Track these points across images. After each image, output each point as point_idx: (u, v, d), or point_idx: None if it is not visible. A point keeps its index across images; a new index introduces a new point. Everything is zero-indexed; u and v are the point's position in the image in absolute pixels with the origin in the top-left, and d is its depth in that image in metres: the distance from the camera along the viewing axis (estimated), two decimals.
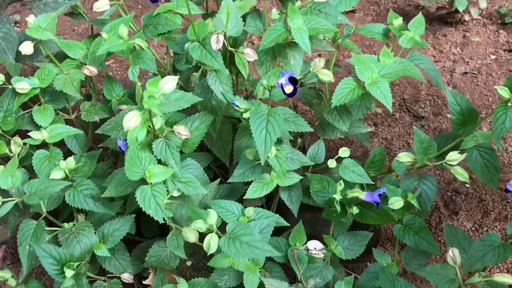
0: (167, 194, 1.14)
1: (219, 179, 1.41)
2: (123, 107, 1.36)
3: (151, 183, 1.10)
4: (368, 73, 1.34)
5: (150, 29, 1.41)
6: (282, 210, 1.58)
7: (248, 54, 1.28)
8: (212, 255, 1.31)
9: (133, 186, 1.17)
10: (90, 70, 1.37)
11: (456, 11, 2.52)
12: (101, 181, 1.39)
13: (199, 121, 1.37)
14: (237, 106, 1.24)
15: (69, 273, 1.14)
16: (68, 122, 1.54)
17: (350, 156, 1.41)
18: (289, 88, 1.12)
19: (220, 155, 1.51)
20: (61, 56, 1.48)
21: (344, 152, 1.36)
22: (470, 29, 2.60)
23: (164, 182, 1.13)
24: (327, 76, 1.34)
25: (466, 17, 2.57)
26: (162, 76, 1.45)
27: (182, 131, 1.19)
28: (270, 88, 1.16)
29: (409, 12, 2.76)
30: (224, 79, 1.29)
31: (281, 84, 1.11)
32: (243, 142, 1.45)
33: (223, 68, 1.23)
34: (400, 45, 1.53)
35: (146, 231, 1.66)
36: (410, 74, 1.44)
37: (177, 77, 1.12)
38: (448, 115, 2.20)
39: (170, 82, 1.11)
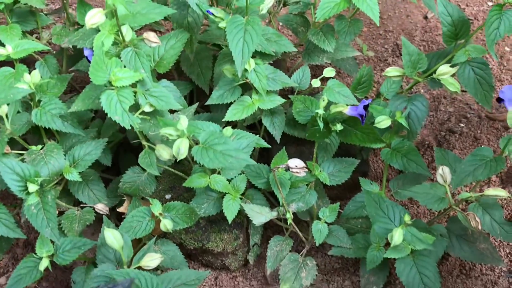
0: (136, 104, 1.07)
1: (197, 104, 1.33)
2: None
3: (117, 87, 1.02)
4: None
5: None
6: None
7: None
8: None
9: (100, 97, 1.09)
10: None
11: None
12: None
13: (175, 39, 1.29)
14: (213, 14, 1.16)
15: (32, 188, 1.07)
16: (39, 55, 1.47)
17: None
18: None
19: (200, 82, 1.43)
20: None
21: (329, 72, 1.28)
22: None
23: (135, 93, 1.05)
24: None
25: None
26: None
27: (152, 38, 1.11)
28: None
29: None
30: None
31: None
32: (224, 68, 1.37)
33: None
34: None
35: (125, 169, 1.59)
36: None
37: None
38: None
39: None
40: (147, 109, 1.13)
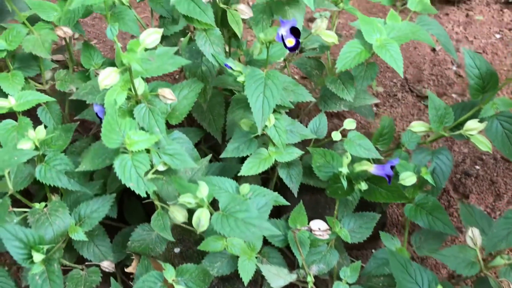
0: (151, 167, 1.00)
1: (210, 155, 1.26)
2: (101, 70, 1.21)
3: (132, 152, 0.95)
4: (376, 35, 1.21)
5: None
6: (280, 192, 1.45)
7: (242, 10, 1.14)
8: (202, 239, 1.17)
9: (112, 157, 1.02)
10: (64, 31, 1.22)
11: None
12: (78, 158, 1.24)
13: (188, 89, 1.22)
14: (230, 68, 1.09)
15: (38, 257, 0.99)
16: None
17: None
18: (290, 41, 0.98)
19: (212, 130, 1.36)
20: (33, 19, 1.32)
21: (349, 124, 1.22)
22: (473, 8, 2.48)
23: (148, 151, 0.98)
24: (330, 37, 1.20)
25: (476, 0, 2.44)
26: None
27: (167, 94, 1.04)
28: (268, 44, 1.01)
29: None
30: (215, 39, 1.15)
31: (282, 36, 0.96)
32: (237, 115, 1.31)
33: (213, 23, 1.08)
34: (409, 8, 1.40)
35: (130, 217, 1.50)
36: (420, 39, 1.31)
37: (161, 30, 0.97)
38: (453, 95, 2.07)
39: (153, 35, 0.96)
40: (161, 168, 1.06)
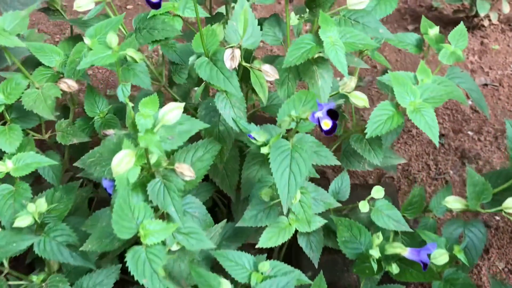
0: (166, 253, 0.90)
1: (225, 221, 1.16)
2: (109, 132, 1.10)
3: (146, 244, 0.85)
4: (410, 98, 1.11)
5: (144, 34, 1.14)
6: (294, 250, 1.35)
7: (266, 71, 1.03)
8: None
9: (122, 241, 0.91)
10: (69, 84, 1.10)
11: (475, 15, 2.31)
12: (79, 219, 1.14)
13: (203, 150, 1.11)
14: (254, 138, 0.99)
15: None
16: (41, 142, 1.28)
17: (358, 184, 1.19)
18: (327, 124, 0.88)
19: (225, 187, 1.26)
20: (33, 62, 1.21)
21: (377, 192, 1.12)
22: (488, 35, 2.39)
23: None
24: (361, 100, 1.10)
25: (485, 22, 2.36)
26: (156, 91, 1.20)
27: (185, 170, 0.94)
28: (299, 120, 0.91)
29: (420, 13, 2.53)
30: (236, 102, 1.04)
31: (318, 118, 0.86)
32: (252, 172, 1.21)
33: (238, 92, 0.97)
34: (440, 60, 1.30)
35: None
36: (455, 98, 1.22)
37: (182, 105, 0.87)
38: (469, 132, 1.98)
39: (174, 111, 0.86)
40: (174, 247, 0.96)
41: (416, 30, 2.44)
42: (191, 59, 1.01)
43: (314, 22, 1.09)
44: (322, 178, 1.54)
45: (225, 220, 1.17)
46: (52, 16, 1.27)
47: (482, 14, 2.22)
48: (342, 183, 1.24)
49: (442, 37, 1.36)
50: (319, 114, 0.86)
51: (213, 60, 0.98)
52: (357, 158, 1.26)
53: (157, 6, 0.79)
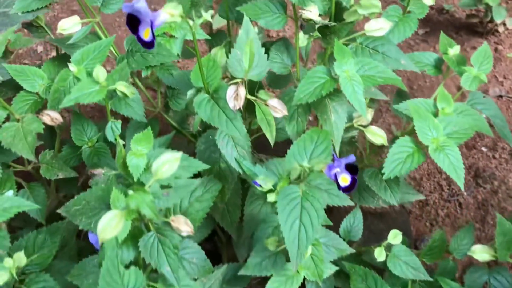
0: None
1: (225, 267, 1.06)
2: (98, 171, 0.98)
3: None
4: (432, 134, 1.00)
5: (137, 58, 1.03)
6: None
7: (274, 107, 0.92)
8: None
9: None
10: (52, 117, 0.99)
11: (490, 20, 2.18)
12: (65, 264, 1.03)
13: (202, 189, 1.01)
14: (259, 185, 0.88)
15: None
16: (23, 174, 1.17)
17: (368, 211, 1.10)
18: (345, 179, 0.77)
19: (225, 224, 1.15)
20: (14, 86, 1.09)
21: (395, 237, 1.02)
22: (502, 41, 2.27)
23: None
24: (379, 137, 0.99)
25: (500, 28, 2.23)
26: (150, 118, 1.09)
27: (182, 225, 0.83)
28: (311, 171, 0.80)
29: (431, 17, 2.40)
30: (240, 140, 0.93)
31: (335, 173, 0.75)
32: (256, 207, 1.11)
33: (243, 136, 0.86)
34: (462, 86, 1.19)
35: None
36: (479, 129, 1.11)
37: (179, 156, 0.75)
38: (483, 148, 1.88)
39: (170, 164, 0.74)
40: None
41: (427, 34, 2.32)
42: (190, 93, 0.90)
43: (328, 49, 0.98)
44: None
45: (225, 266, 1.06)
46: (35, 34, 1.15)
47: (498, 21, 2.10)
48: (354, 221, 1.13)
49: (463, 58, 1.25)
50: (336, 169, 0.75)
51: (214, 98, 0.86)
52: (371, 194, 1.16)
53: (150, 45, 0.68)
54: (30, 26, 1.14)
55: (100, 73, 0.83)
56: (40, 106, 1.06)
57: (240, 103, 0.83)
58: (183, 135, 1.20)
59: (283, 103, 0.93)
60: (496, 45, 2.26)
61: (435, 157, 0.98)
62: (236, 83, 0.85)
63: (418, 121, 1.00)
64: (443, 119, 1.04)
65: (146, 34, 0.67)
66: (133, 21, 0.66)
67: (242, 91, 0.83)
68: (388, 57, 0.94)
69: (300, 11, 0.91)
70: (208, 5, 1.08)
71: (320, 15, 0.93)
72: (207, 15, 0.75)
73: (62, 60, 1.13)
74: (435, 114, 1.14)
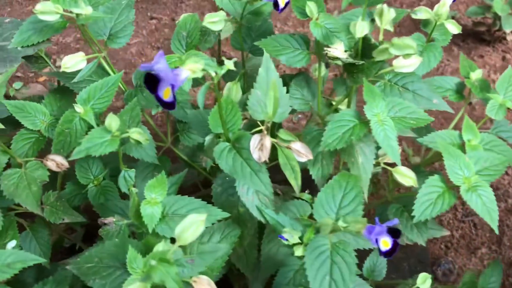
0: None
1: None
2: (109, 220, 0.91)
3: None
4: (463, 173, 0.94)
5: (147, 95, 0.96)
6: None
7: (298, 151, 0.85)
8: None
9: None
10: (58, 162, 0.91)
11: (499, 29, 2.13)
12: None
13: (219, 234, 0.94)
14: (286, 239, 0.82)
15: None
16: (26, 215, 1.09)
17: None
18: (386, 243, 0.71)
19: (242, 265, 1.09)
20: (14, 122, 1.01)
21: (424, 281, 0.96)
22: (510, 49, 2.22)
23: None
24: (408, 179, 0.93)
25: (509, 36, 2.18)
26: (160, 156, 1.02)
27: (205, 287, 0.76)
28: (345, 228, 0.74)
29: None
30: None
31: (376, 238, 0.69)
32: (273, 247, 1.04)
33: (269, 191, 0.79)
34: (487, 114, 1.13)
35: None
36: (510, 163, 1.06)
37: (204, 218, 0.69)
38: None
39: (195, 227, 0.68)
40: None
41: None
42: (207, 139, 0.83)
43: (352, 88, 0.91)
44: None
45: None
46: (34, 65, 1.07)
47: (507, 30, 2.05)
48: (377, 260, 1.08)
49: (486, 83, 1.19)
50: (377, 233, 0.68)
51: (236, 147, 0.79)
52: None
53: (170, 106, 0.61)
54: (29, 57, 1.07)
55: (113, 122, 0.76)
56: (43, 145, 0.99)
57: (265, 155, 0.76)
58: (194, 168, 1.13)
59: (307, 146, 0.86)
60: (503, 54, 2.21)
61: (467, 198, 0.93)
62: (260, 131, 0.79)
63: (448, 159, 0.94)
64: (473, 155, 0.99)
65: (166, 94, 0.61)
66: (152, 80, 0.59)
67: (268, 142, 0.77)
68: (420, 96, 0.88)
69: (325, 48, 0.84)
70: (216, 34, 1.01)
71: (345, 51, 0.86)
72: (230, 64, 0.69)
73: (65, 92, 1.06)
74: (461, 147, 1.08)
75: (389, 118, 0.81)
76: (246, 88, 1.05)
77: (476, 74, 1.18)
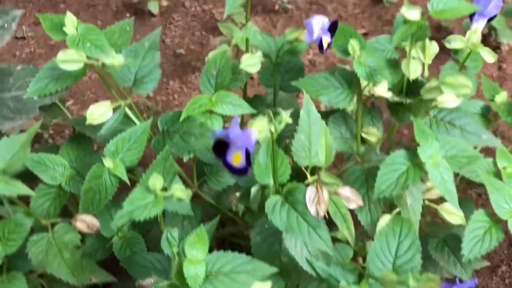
0: None
1: None
2: (147, 282, 0.84)
3: None
4: (509, 205, 0.92)
5: (176, 141, 0.90)
6: None
7: (348, 197, 0.81)
8: None
9: None
10: (88, 223, 0.84)
11: (495, 40, 2.14)
12: None
13: None
14: None
15: None
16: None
17: None
18: None
19: None
20: (32, 176, 0.94)
21: None
22: (505, 58, 2.23)
23: None
24: (456, 217, 0.90)
25: (505, 47, 2.19)
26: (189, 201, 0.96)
27: None
28: None
29: (432, 37, 2.33)
30: None
31: None
32: None
33: (330, 247, 0.74)
34: None
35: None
36: None
37: (269, 285, 0.63)
38: None
39: None
40: None
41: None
42: (253, 191, 0.78)
43: (395, 126, 0.88)
44: None
45: None
46: (48, 113, 1.00)
47: (505, 41, 2.06)
48: None
49: (510, 104, 1.17)
50: None
51: (289, 201, 0.74)
52: (432, 263, 1.06)
53: (243, 172, 0.56)
54: (42, 107, 0.99)
55: (157, 182, 0.70)
56: (65, 201, 0.92)
57: (324, 209, 0.71)
58: (222, 212, 1.07)
59: (356, 191, 0.82)
60: (499, 63, 2.21)
61: None
62: (315, 182, 0.74)
63: (493, 193, 0.91)
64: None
65: (236, 160, 0.55)
66: (221, 146, 0.54)
67: (326, 194, 0.72)
68: (468, 132, 0.84)
69: (368, 87, 0.80)
70: (249, 73, 0.96)
71: (389, 88, 0.83)
72: (286, 117, 0.64)
73: (81, 140, 0.99)
74: (496, 175, 1.06)
75: (444, 160, 0.78)
76: None
77: (501, 97, 1.16)
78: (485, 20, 1.01)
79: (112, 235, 0.99)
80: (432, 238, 1.03)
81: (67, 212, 0.93)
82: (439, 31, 2.34)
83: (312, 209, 0.72)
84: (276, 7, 2.29)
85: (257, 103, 1.05)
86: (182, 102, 1.94)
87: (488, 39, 2.15)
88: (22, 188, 0.71)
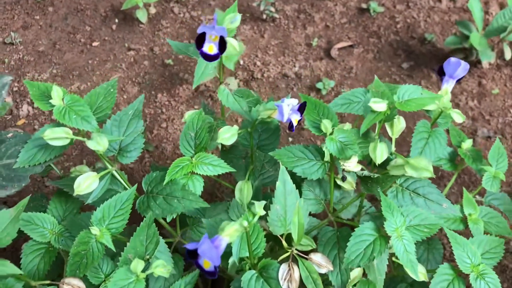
0: None
1: None
2: None
3: None
4: (471, 260, 0.99)
5: (160, 203, 0.95)
6: None
7: (319, 263, 0.87)
8: None
9: None
10: (74, 285, 0.90)
11: (476, 57, 2.19)
12: None
13: None
14: None
15: None
16: None
17: None
18: None
19: None
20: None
21: None
22: (485, 74, 2.29)
23: None
24: (421, 275, 0.97)
25: (486, 65, 2.24)
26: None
27: None
28: None
29: (413, 48, 2.39)
30: None
31: None
32: None
33: None
34: (484, 187, 1.18)
35: None
36: (504, 234, 1.11)
37: None
38: None
39: None
40: None
41: (411, 68, 2.30)
42: (230, 262, 0.84)
43: (363, 194, 0.93)
44: None
45: None
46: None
47: (485, 61, 2.11)
48: None
49: (478, 154, 1.24)
50: None
51: (263, 276, 0.80)
52: None
53: (212, 275, 0.62)
54: None
55: (139, 265, 0.75)
56: (54, 256, 0.98)
57: (295, 287, 0.78)
58: None
59: (327, 257, 0.88)
60: (479, 79, 2.27)
61: (476, 285, 0.97)
62: (287, 260, 0.80)
63: (456, 248, 0.98)
64: (475, 240, 1.03)
65: (206, 264, 0.61)
66: (193, 253, 0.60)
67: (297, 273, 0.78)
68: (430, 201, 0.91)
69: (342, 164, 0.86)
70: None
71: (358, 160, 0.88)
72: (260, 210, 0.69)
73: (66, 196, 1.04)
74: (463, 221, 1.13)
75: (407, 232, 0.84)
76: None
77: (467, 144, 1.22)
78: (454, 81, 1.06)
79: (100, 283, 1.05)
80: (400, 283, 1.10)
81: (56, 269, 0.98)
82: (423, 44, 2.39)
83: (284, 286, 0.78)
84: (264, 16, 2.31)
85: (234, 155, 1.10)
86: (170, 116, 1.98)
87: (470, 58, 2.19)
88: (11, 268, 0.77)
